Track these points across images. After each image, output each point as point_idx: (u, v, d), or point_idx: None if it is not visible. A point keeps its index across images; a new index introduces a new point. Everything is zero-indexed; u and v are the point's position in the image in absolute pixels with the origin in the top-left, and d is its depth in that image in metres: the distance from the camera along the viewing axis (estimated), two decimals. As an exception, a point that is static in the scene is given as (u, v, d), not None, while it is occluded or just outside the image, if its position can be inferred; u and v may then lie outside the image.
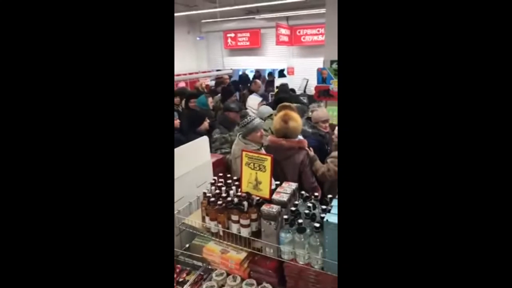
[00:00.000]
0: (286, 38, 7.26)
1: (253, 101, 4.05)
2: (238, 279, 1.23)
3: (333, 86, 3.69)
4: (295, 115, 2.07)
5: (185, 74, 6.91)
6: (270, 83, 7.18)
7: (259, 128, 2.18)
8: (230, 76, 8.01)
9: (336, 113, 3.51)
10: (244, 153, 1.33)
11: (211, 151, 2.35)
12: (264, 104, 3.77)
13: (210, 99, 3.98)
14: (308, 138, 2.25)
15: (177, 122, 2.92)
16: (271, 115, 2.85)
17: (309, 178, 2.00)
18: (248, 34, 8.11)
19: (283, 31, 7.08)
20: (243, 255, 1.27)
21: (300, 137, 2.16)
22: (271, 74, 7.60)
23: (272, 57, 8.11)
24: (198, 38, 8.66)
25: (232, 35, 8.29)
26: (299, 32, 7.44)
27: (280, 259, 1.18)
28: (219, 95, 4.55)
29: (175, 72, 6.69)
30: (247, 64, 8.51)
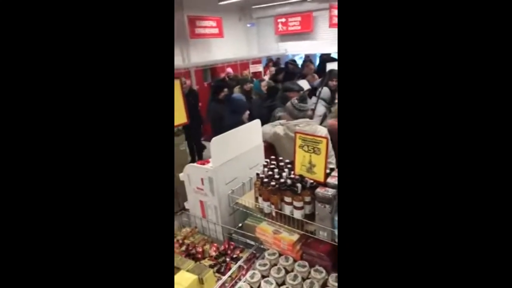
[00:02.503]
0: (340, 20, 6.88)
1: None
2: (291, 260, 1.24)
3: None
4: None
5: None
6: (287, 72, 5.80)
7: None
8: (278, 59, 7.90)
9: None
10: (298, 135, 1.31)
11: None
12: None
13: (263, 83, 4.10)
14: None
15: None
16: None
17: None
18: (299, 18, 7.85)
19: (336, 12, 6.71)
20: (295, 237, 1.27)
21: None
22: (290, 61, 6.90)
23: (324, 41, 7.78)
24: (248, 25, 8.65)
25: (283, 20, 8.10)
26: (354, 12, 6.97)
27: (334, 243, 1.15)
28: (268, 80, 4.59)
29: (227, 59, 6.85)
30: (298, 49, 8.29)
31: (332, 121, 2.03)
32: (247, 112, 3.06)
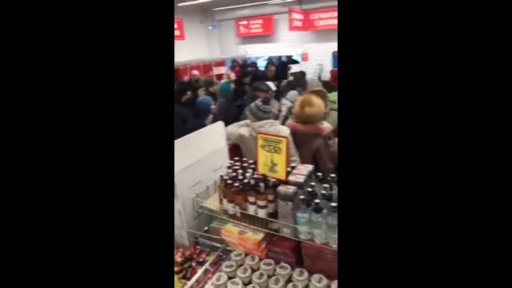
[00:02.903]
0: (299, 23, 7.09)
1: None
2: (256, 259, 1.25)
3: (349, 69, 3.61)
4: (314, 100, 2.04)
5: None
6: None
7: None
8: (245, 61, 7.97)
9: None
10: (259, 135, 1.33)
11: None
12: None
13: (232, 85, 4.11)
14: None
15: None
16: None
17: (326, 164, 1.98)
18: (260, 21, 7.97)
19: (296, 15, 6.91)
20: (260, 236, 1.28)
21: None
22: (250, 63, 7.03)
23: (285, 43, 7.97)
24: (210, 27, 8.60)
25: (245, 22, 8.18)
26: (313, 16, 7.24)
27: (298, 239, 1.18)
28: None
29: (188, 61, 6.74)
30: (261, 52, 8.41)
31: (292, 122, 2.09)
32: (211, 116, 3.03)
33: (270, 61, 7.74)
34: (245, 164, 1.45)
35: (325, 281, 1.12)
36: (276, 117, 2.92)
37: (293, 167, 1.34)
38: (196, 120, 2.93)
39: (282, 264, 1.21)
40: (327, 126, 2.09)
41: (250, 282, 1.17)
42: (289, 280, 1.16)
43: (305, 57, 7.49)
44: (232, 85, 4.19)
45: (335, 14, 6.65)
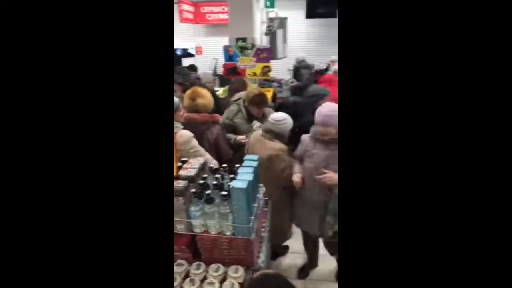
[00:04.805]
0: (190, 15, 6.93)
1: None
2: (150, 262, 1.18)
3: (240, 63, 3.74)
4: (204, 92, 2.06)
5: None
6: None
7: (180, 108, 2.07)
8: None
9: (244, 90, 3.58)
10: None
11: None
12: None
13: None
14: None
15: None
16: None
17: (226, 150, 2.04)
18: (148, 10, 7.44)
19: (186, 7, 6.72)
20: (153, 237, 1.21)
21: None
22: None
23: (177, 36, 7.68)
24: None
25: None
26: (204, 9, 7.21)
27: (193, 233, 1.17)
28: None
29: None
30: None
31: (186, 114, 2.05)
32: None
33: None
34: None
35: (222, 269, 1.14)
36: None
37: (184, 161, 1.31)
38: None
39: (178, 261, 1.17)
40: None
41: None
42: (187, 276, 1.14)
43: (199, 51, 7.41)
44: None
45: (226, 8, 6.79)
